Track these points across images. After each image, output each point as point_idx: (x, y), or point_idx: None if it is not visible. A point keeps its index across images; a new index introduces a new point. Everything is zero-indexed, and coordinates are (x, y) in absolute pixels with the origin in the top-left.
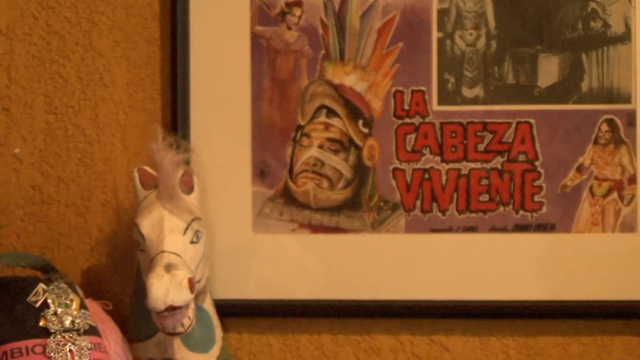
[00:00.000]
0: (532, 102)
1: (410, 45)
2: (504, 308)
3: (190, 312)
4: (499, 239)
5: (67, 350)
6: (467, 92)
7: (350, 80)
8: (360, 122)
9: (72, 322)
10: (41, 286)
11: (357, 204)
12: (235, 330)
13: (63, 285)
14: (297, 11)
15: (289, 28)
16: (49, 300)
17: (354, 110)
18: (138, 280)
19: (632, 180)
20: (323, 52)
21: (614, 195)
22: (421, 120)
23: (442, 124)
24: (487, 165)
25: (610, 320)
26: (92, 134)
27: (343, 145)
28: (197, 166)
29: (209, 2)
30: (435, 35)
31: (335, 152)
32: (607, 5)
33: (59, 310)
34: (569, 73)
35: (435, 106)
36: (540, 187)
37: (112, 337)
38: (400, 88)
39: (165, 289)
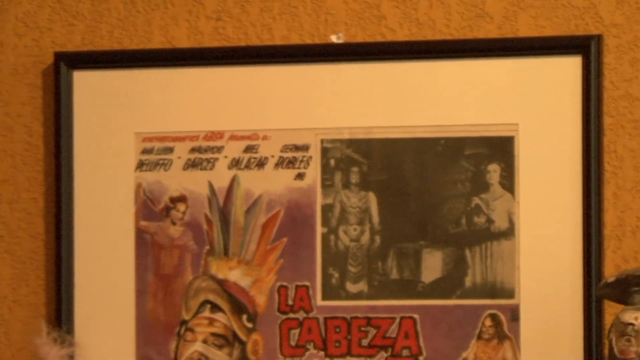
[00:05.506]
0: (415, 297)
1: (294, 240)
2: None
3: None
4: None
5: None
6: (351, 287)
7: (235, 275)
8: (245, 317)
9: None
10: None
11: None
12: None
13: None
14: (181, 206)
15: (174, 223)
16: None
17: (238, 305)
18: None
19: None
20: (207, 247)
21: None
22: (305, 315)
23: (326, 319)
24: None
25: None
26: None
27: (227, 340)
28: None
29: (94, 196)
30: (319, 230)
31: (220, 347)
32: (491, 201)
33: None
34: (452, 268)
35: (319, 301)
36: None
37: None
38: (284, 283)
39: None
